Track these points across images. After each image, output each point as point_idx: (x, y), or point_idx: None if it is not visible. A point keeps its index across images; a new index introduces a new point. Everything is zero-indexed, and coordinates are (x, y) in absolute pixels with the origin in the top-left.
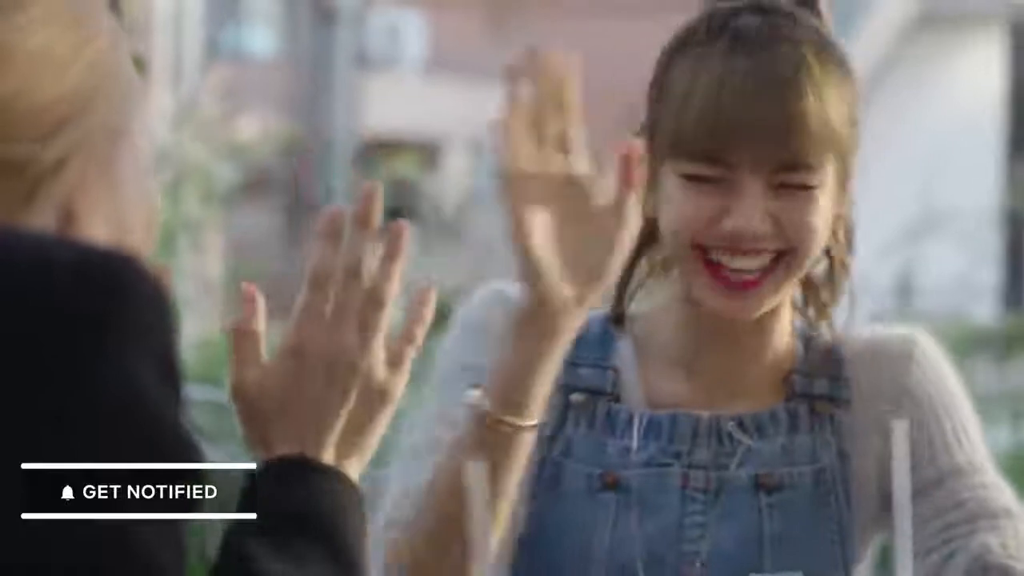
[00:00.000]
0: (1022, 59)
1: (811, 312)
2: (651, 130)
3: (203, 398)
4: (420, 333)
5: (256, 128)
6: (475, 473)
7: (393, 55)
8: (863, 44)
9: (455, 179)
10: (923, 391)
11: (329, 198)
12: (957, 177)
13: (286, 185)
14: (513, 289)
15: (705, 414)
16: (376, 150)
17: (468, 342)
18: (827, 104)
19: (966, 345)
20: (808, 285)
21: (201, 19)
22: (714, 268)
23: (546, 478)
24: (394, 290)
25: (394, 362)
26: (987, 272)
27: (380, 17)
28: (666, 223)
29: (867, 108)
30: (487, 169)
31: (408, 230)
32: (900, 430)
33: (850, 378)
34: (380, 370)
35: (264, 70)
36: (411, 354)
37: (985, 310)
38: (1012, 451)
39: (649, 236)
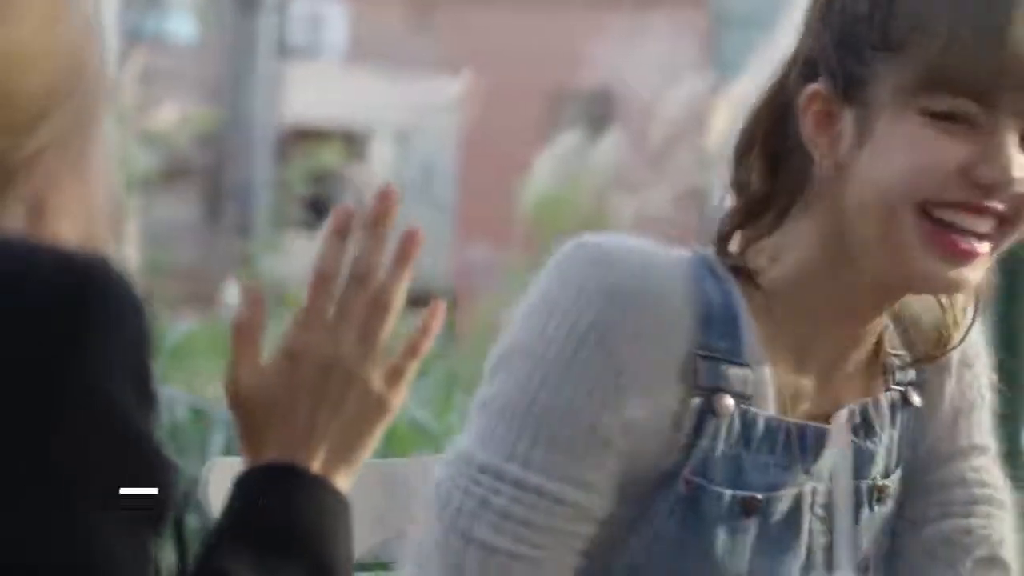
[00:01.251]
0: None
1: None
2: (856, 76)
3: None
4: (426, 347)
5: (175, 115)
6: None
7: (315, 44)
8: (783, 42)
9: (379, 169)
10: (978, 361)
11: (248, 186)
12: None
13: (205, 173)
14: (622, 246)
15: (834, 425)
16: (297, 139)
17: (563, 343)
18: None
19: None
20: None
21: (120, 3)
22: (940, 229)
23: (679, 499)
24: (401, 297)
25: (394, 374)
26: None
27: (302, 5)
28: (893, 176)
29: None
30: (412, 159)
31: (422, 236)
32: (839, 422)
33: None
34: (378, 381)
35: (185, 56)
36: (414, 367)
37: None
38: None
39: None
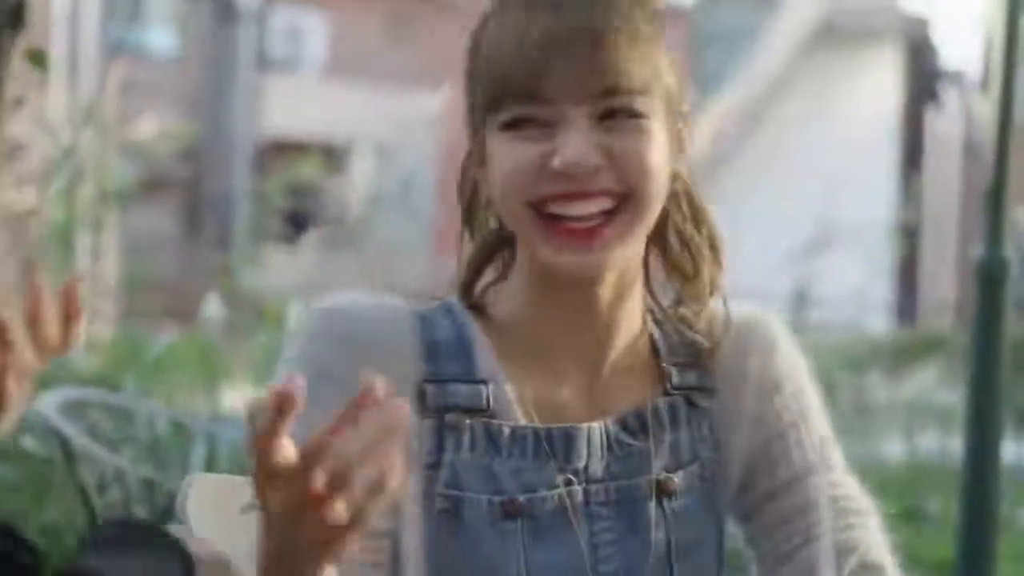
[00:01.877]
0: (917, 74)
1: (681, 294)
2: (471, 106)
3: (99, 401)
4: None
5: (155, 127)
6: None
7: (294, 56)
8: (762, 58)
9: (358, 182)
10: (788, 382)
11: (228, 199)
12: (854, 191)
13: (184, 185)
14: (355, 303)
15: (596, 424)
16: (277, 152)
17: (311, 396)
18: (638, 31)
19: (861, 357)
20: (673, 268)
21: (100, 16)
22: (553, 222)
23: (439, 512)
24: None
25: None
26: (882, 285)
27: (281, 18)
28: (497, 187)
29: (766, 122)
30: (391, 172)
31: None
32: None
33: (715, 364)
34: None
35: (164, 69)
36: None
37: (879, 322)
38: (905, 461)
39: (497, 240)
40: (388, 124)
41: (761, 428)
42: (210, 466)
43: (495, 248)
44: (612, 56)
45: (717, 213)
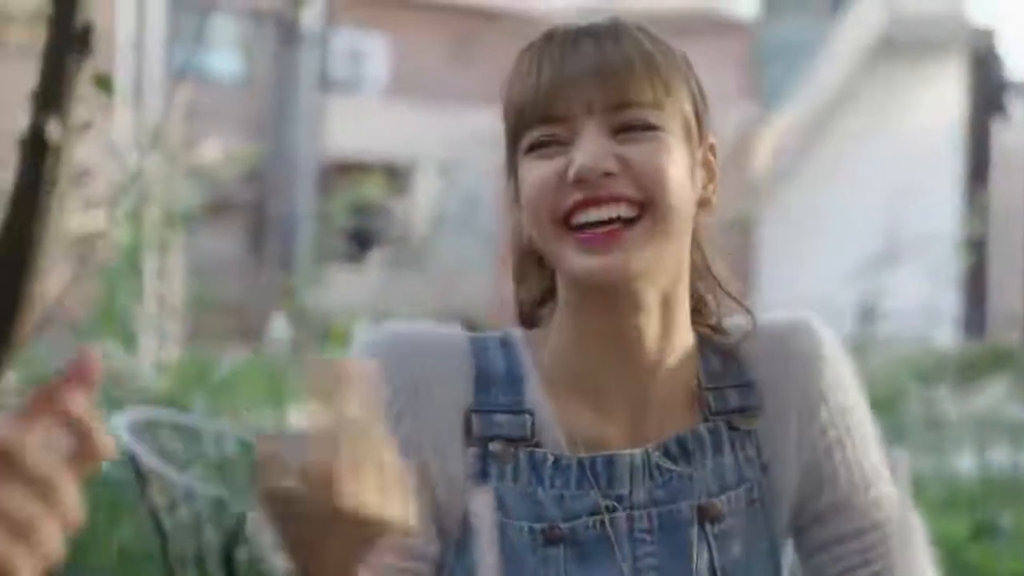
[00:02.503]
0: (983, 85)
1: (707, 318)
2: (505, 142)
3: (169, 421)
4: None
5: (219, 150)
6: (483, 500)
7: (356, 78)
8: (824, 71)
9: (421, 201)
10: (835, 396)
11: (291, 220)
12: (919, 205)
13: (248, 207)
14: (408, 328)
15: (637, 452)
16: (340, 172)
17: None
18: (653, 53)
19: (928, 370)
20: (697, 298)
21: (164, 40)
22: (575, 232)
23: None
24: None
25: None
26: (949, 299)
27: (343, 40)
28: (526, 211)
29: (829, 135)
30: (454, 191)
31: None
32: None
33: (758, 382)
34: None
35: (228, 92)
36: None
37: (947, 336)
38: (976, 475)
39: (533, 258)
40: (450, 143)
41: (805, 447)
42: None
43: (545, 282)
44: (622, 71)
45: (781, 228)
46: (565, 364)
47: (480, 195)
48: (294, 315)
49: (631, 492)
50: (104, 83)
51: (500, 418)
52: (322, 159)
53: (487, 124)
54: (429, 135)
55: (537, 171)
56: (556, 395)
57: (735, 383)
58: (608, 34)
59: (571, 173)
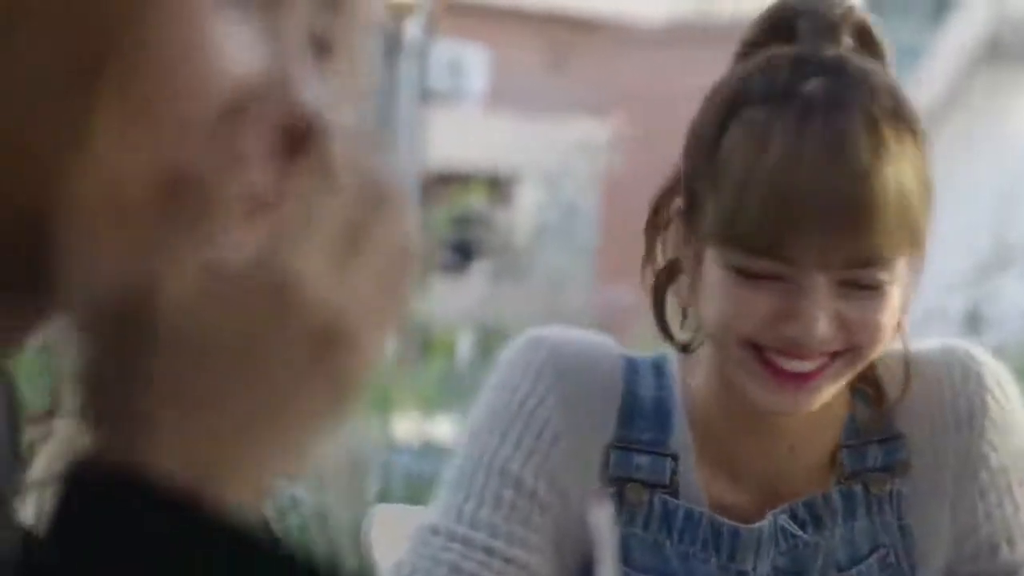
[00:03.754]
0: None
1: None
2: (694, 206)
3: None
4: None
5: None
6: (602, 515)
7: (456, 88)
8: (929, 76)
9: (522, 211)
10: (999, 453)
11: None
12: None
13: None
14: (564, 336)
15: (766, 523)
16: (440, 183)
17: (504, 428)
18: (906, 188)
19: None
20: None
21: None
22: (766, 365)
23: None
24: None
25: None
26: None
27: (442, 51)
28: (712, 316)
29: (934, 141)
30: (555, 202)
31: None
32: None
33: (907, 435)
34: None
35: None
36: None
37: None
38: None
39: (671, 274)
40: (550, 154)
41: (961, 511)
42: (384, 495)
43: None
44: (874, 228)
45: None
46: (710, 409)
47: (579, 205)
48: (405, 327)
49: (755, 567)
50: None
51: (641, 459)
52: (422, 170)
53: (586, 134)
54: (529, 145)
55: (744, 298)
56: (696, 439)
57: (881, 437)
58: (861, 140)
59: (787, 335)
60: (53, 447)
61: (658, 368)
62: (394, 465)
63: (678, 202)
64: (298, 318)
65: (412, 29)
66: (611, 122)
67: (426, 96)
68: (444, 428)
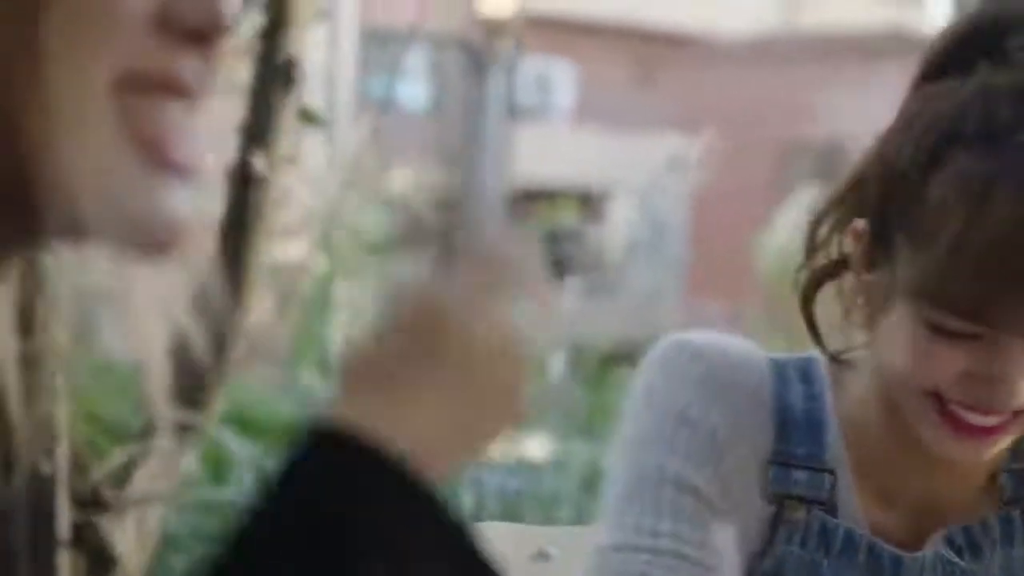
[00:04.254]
0: None
1: None
2: (886, 248)
3: None
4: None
5: (410, 179)
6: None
7: (543, 104)
8: None
9: (612, 227)
10: None
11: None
12: None
13: (439, 235)
14: (713, 342)
15: (928, 553)
16: (530, 199)
17: (670, 437)
18: None
19: None
20: None
21: (355, 69)
22: (948, 416)
23: None
24: None
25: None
26: None
27: (530, 67)
28: (895, 364)
29: None
30: (643, 217)
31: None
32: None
33: None
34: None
35: (417, 120)
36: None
37: None
38: None
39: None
40: (639, 169)
41: None
42: (478, 512)
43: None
44: None
45: None
46: (867, 425)
47: (668, 221)
48: None
49: None
50: (310, 116)
51: (798, 475)
52: (511, 186)
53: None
54: (617, 161)
55: (934, 357)
56: (851, 452)
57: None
58: None
59: (981, 398)
60: (152, 465)
61: (806, 374)
62: (487, 483)
63: (859, 224)
64: (512, 328)
65: (499, 44)
66: (699, 137)
67: (514, 112)
68: (536, 445)
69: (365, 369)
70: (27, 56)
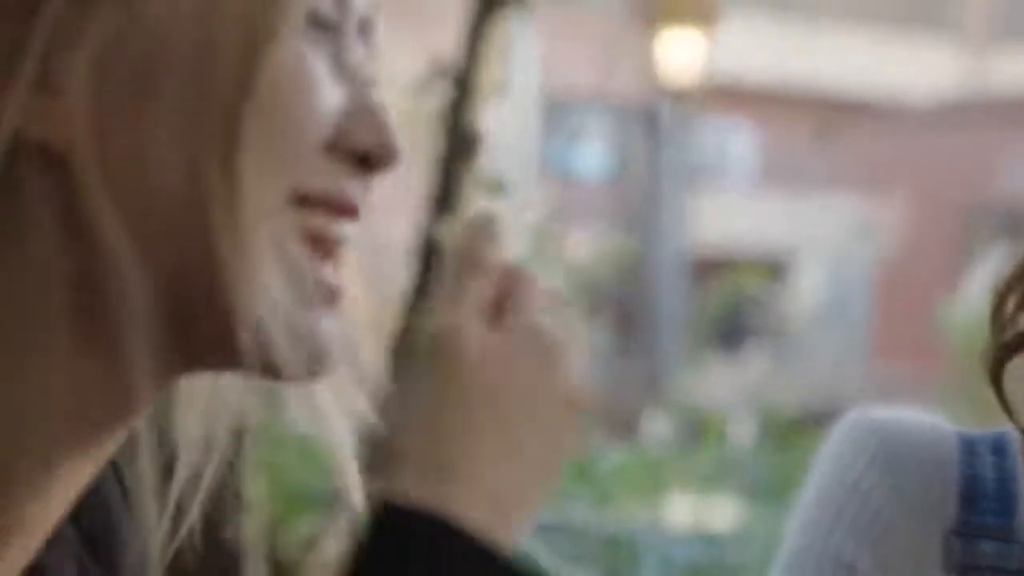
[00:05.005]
0: None
1: None
2: None
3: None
4: None
5: (590, 246)
6: None
7: (724, 169)
8: None
9: (795, 292)
10: None
11: (663, 314)
12: None
13: (619, 302)
14: (894, 418)
15: None
16: (710, 265)
17: (836, 512)
18: None
19: None
20: None
21: (537, 138)
22: None
23: None
24: None
25: None
26: None
27: (710, 132)
28: None
29: None
30: (827, 280)
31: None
32: None
33: None
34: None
35: (596, 187)
36: None
37: None
38: None
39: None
40: (821, 233)
41: None
42: None
43: None
44: None
45: None
46: None
47: (853, 284)
48: (669, 409)
49: None
50: (496, 186)
51: (986, 546)
52: (692, 251)
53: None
54: (800, 225)
55: None
56: None
57: None
58: None
59: None
60: (336, 536)
61: (999, 447)
62: (673, 554)
63: None
64: (559, 378)
65: (680, 110)
66: (883, 200)
67: (695, 177)
68: (721, 513)
69: (423, 442)
70: (220, 172)
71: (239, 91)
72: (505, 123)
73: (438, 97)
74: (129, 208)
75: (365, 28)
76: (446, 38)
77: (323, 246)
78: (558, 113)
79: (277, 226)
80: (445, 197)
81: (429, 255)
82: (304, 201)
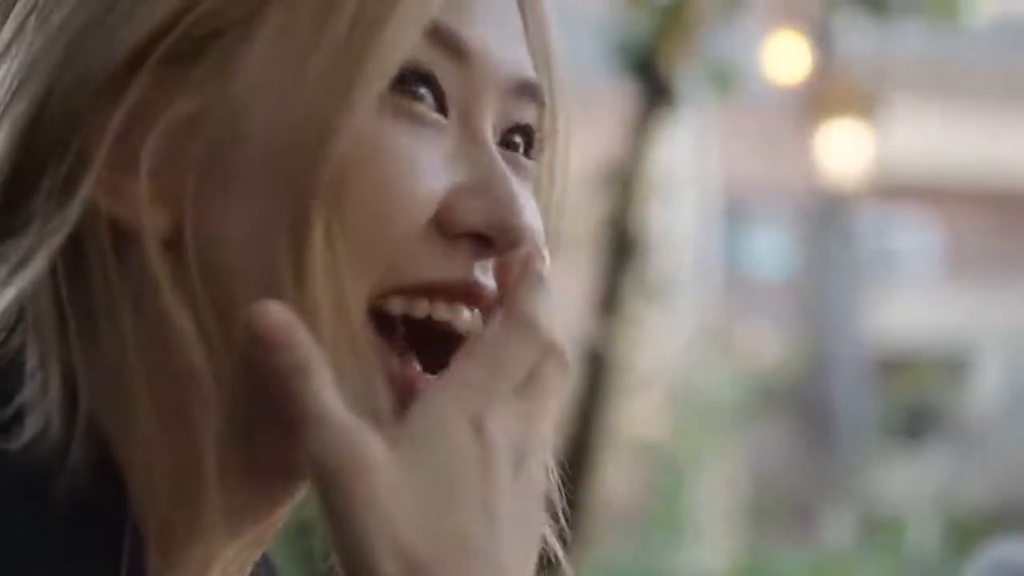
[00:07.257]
0: None
1: None
2: None
3: None
4: None
5: (767, 342)
6: None
7: (901, 262)
8: None
9: (981, 389)
10: None
11: (844, 414)
12: None
13: (799, 401)
14: None
15: None
16: (891, 364)
17: None
18: None
19: None
20: None
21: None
22: None
23: None
24: None
25: None
26: None
27: (885, 224)
28: None
29: None
30: (1013, 381)
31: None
32: None
33: None
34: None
35: (774, 287)
36: None
37: None
38: None
39: None
40: (1005, 328)
41: None
42: None
43: None
44: None
45: None
46: None
47: None
48: (851, 510)
49: None
50: (658, 290)
51: None
52: (873, 348)
53: None
54: (981, 320)
55: None
56: None
57: None
58: None
59: None
60: None
61: None
62: None
63: None
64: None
65: (856, 206)
66: None
67: (872, 273)
68: None
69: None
70: (290, 277)
71: (313, 177)
72: (683, 222)
73: (604, 199)
74: (198, 289)
75: (524, 91)
76: (612, 140)
77: (440, 334)
78: (733, 210)
79: (355, 337)
80: (609, 302)
81: (594, 361)
82: (411, 291)
